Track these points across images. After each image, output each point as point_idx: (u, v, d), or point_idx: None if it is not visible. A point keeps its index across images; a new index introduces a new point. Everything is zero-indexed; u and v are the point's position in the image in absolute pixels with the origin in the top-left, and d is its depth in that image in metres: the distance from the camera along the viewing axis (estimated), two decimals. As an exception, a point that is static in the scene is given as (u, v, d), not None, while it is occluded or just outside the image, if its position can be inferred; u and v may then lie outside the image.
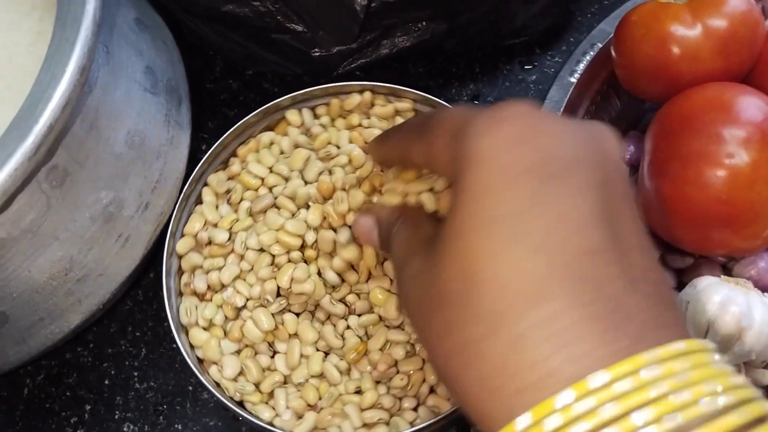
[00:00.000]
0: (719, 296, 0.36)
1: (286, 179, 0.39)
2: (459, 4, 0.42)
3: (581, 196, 0.23)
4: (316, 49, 0.42)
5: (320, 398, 0.37)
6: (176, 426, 0.42)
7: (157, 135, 0.37)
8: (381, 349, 0.37)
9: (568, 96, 0.44)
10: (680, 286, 0.42)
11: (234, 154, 0.41)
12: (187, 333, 0.38)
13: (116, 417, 0.43)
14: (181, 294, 0.39)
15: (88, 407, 0.43)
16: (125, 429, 0.42)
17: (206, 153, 0.39)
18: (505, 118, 0.24)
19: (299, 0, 0.40)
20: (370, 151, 0.37)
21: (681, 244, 0.40)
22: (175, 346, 0.43)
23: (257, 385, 0.37)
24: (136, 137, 0.35)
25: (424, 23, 0.43)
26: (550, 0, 0.45)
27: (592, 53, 0.45)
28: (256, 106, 0.41)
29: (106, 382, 0.43)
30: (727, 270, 0.42)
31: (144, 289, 0.45)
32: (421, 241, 0.26)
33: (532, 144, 0.23)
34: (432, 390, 0.37)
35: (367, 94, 0.41)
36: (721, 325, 0.35)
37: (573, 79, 0.45)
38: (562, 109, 0.44)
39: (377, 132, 0.40)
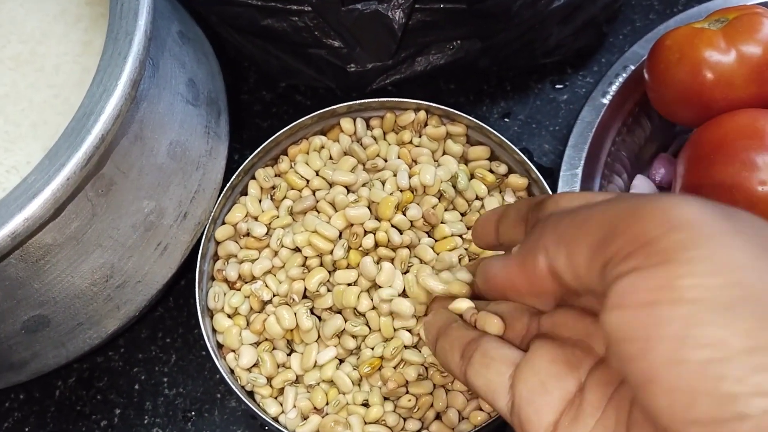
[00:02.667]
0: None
1: (330, 184, 0.40)
2: (495, 24, 0.42)
3: None
4: (352, 65, 0.43)
5: (327, 403, 0.38)
6: (204, 432, 0.43)
7: (197, 146, 0.37)
8: (395, 367, 0.37)
9: (600, 117, 0.45)
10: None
11: (284, 152, 0.42)
12: (212, 317, 0.39)
13: (145, 422, 0.43)
14: (212, 279, 0.40)
15: (117, 411, 0.43)
16: (154, 434, 0.43)
17: (242, 163, 0.40)
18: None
19: (337, 16, 0.40)
20: (475, 233, 0.31)
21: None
22: (204, 353, 0.44)
23: (269, 380, 0.38)
24: (178, 148, 0.36)
25: (458, 42, 0.43)
26: (583, 21, 0.46)
27: (624, 75, 0.46)
28: (289, 117, 0.42)
29: (136, 386, 0.44)
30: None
31: (175, 296, 0.46)
32: None
33: (741, 216, 0.20)
34: (438, 416, 0.38)
35: (422, 113, 0.42)
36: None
37: (605, 101, 0.45)
38: (594, 130, 0.44)
39: (426, 152, 0.41)
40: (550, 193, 0.40)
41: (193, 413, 0.43)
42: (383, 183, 0.39)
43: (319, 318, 0.39)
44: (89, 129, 0.28)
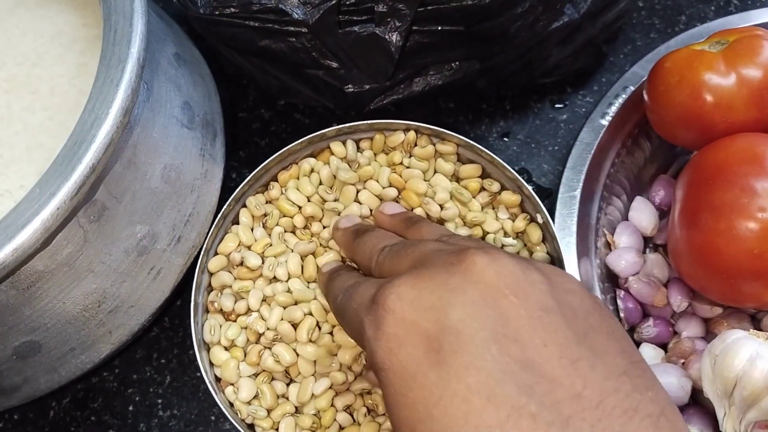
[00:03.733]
0: (748, 351, 0.36)
1: (324, 209, 0.41)
2: (494, 45, 0.42)
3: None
4: (350, 86, 0.42)
5: (319, 428, 0.38)
6: (198, 455, 0.42)
7: (192, 169, 0.37)
8: None
9: (599, 138, 0.44)
10: (708, 335, 0.42)
11: (275, 179, 0.42)
12: (208, 350, 0.39)
13: None
14: (207, 311, 0.40)
15: None
16: (148, 456, 0.43)
17: (239, 182, 0.40)
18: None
19: (335, 38, 0.40)
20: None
21: (710, 294, 0.40)
22: (199, 374, 0.44)
23: (269, 411, 0.38)
24: (172, 172, 0.36)
25: (456, 63, 0.43)
26: (583, 42, 0.46)
27: (624, 96, 0.45)
28: (287, 135, 0.42)
29: (131, 408, 0.44)
30: (756, 321, 0.42)
31: (171, 316, 0.45)
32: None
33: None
34: None
35: (411, 134, 0.42)
36: (749, 381, 0.35)
37: (605, 122, 0.45)
38: (592, 152, 0.44)
39: (417, 173, 0.41)
40: (544, 210, 0.40)
41: None
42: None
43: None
44: (80, 158, 0.28)
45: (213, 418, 0.43)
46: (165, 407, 0.44)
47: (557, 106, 0.50)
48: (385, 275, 0.31)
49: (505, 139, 0.49)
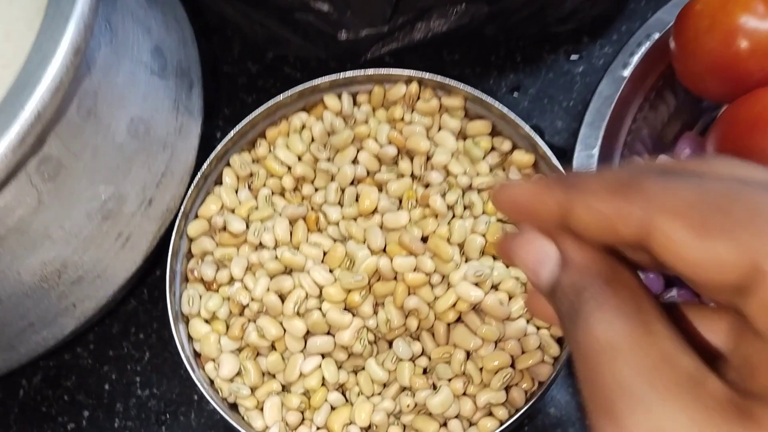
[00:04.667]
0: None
1: (315, 171, 0.37)
2: (503, -15, 0.38)
3: None
4: (343, 32, 0.38)
5: (308, 408, 0.35)
6: (179, 438, 0.39)
7: (164, 123, 0.33)
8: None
9: (620, 91, 0.40)
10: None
11: (262, 135, 0.38)
12: (187, 323, 0.36)
13: (116, 425, 0.40)
14: (186, 280, 0.37)
15: (86, 413, 0.40)
16: (124, 439, 0.39)
17: (222, 140, 0.36)
18: None
19: (326, -24, 0.36)
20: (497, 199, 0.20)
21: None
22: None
23: (254, 390, 0.35)
24: (141, 126, 0.32)
25: (462, 6, 0.39)
26: (602, -16, 0.41)
27: (647, 44, 0.41)
28: (277, 91, 0.38)
29: (106, 386, 0.41)
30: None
31: (149, 287, 0.42)
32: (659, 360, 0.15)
33: None
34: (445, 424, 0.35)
35: (414, 86, 0.38)
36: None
37: (626, 73, 0.41)
38: (612, 106, 0.40)
39: (419, 129, 0.37)
40: (561, 171, 0.36)
41: (167, 416, 0.40)
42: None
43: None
44: (23, 103, 0.24)
45: (196, 397, 0.40)
46: (144, 385, 0.41)
47: (573, 57, 0.46)
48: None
49: (515, 94, 0.45)
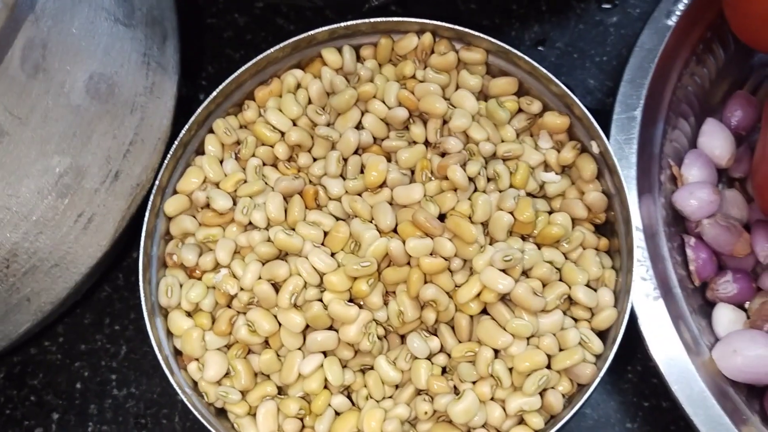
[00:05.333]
0: None
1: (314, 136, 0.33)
2: None
3: None
4: (344, -26, 0.33)
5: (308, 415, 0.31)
6: (161, 444, 0.36)
7: (131, 81, 0.28)
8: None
9: (664, 44, 0.35)
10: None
11: (251, 97, 0.34)
12: (166, 316, 0.32)
13: (89, 430, 0.36)
14: (165, 266, 0.33)
15: (55, 416, 0.37)
16: (99, 446, 0.35)
17: (203, 102, 0.32)
18: None
19: None
20: None
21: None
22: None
23: (245, 394, 0.31)
24: (102, 84, 0.26)
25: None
26: None
27: (695, -11, 0.36)
28: (267, 46, 0.33)
29: (78, 385, 0.37)
30: None
31: (126, 272, 0.38)
32: None
33: None
34: None
35: (427, 37, 0.34)
36: None
37: (670, 22, 0.36)
38: (656, 60, 0.35)
39: (434, 88, 0.32)
40: (602, 135, 0.31)
41: (147, 419, 0.36)
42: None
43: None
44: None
45: (180, 397, 0.35)
46: (120, 384, 0.37)
47: (605, 6, 0.42)
48: None
49: (541, 48, 0.41)
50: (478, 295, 0.29)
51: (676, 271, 0.33)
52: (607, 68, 0.40)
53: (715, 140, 0.36)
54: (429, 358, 0.30)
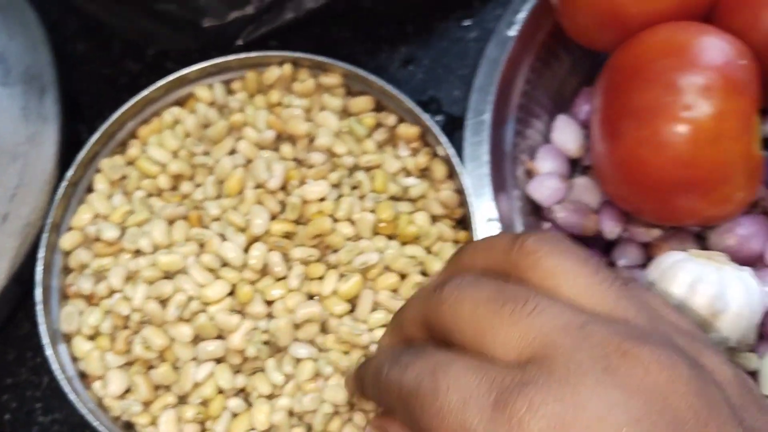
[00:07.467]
0: (688, 276, 0.30)
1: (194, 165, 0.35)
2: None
3: None
4: (207, 19, 0.36)
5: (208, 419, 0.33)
6: (85, 463, 0.37)
7: (11, 132, 0.31)
8: None
9: (507, 53, 0.39)
10: (649, 263, 0.36)
11: (134, 135, 0.37)
12: (69, 342, 0.34)
13: None
14: (66, 297, 0.35)
15: None
16: (26, 470, 0.37)
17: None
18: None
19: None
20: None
21: (643, 215, 0.35)
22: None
23: (147, 405, 0.33)
24: (-18, 137, 0.29)
25: (334, -21, 0.37)
26: (481, -57, 0.39)
27: (533, 1, 0.39)
28: None
29: (7, 416, 0.38)
30: (701, 240, 0.36)
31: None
32: None
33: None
34: None
35: (287, 67, 0.36)
36: (691, 309, 0.30)
37: (512, 33, 0.39)
38: (501, 68, 0.38)
39: (297, 112, 0.35)
40: (444, 140, 0.34)
41: None
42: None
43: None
44: None
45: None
46: (46, 411, 0.38)
47: (465, 23, 0.44)
48: (476, 345, 0.22)
49: (410, 66, 0.43)
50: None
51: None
52: (469, 79, 0.41)
53: (565, 134, 0.40)
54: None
